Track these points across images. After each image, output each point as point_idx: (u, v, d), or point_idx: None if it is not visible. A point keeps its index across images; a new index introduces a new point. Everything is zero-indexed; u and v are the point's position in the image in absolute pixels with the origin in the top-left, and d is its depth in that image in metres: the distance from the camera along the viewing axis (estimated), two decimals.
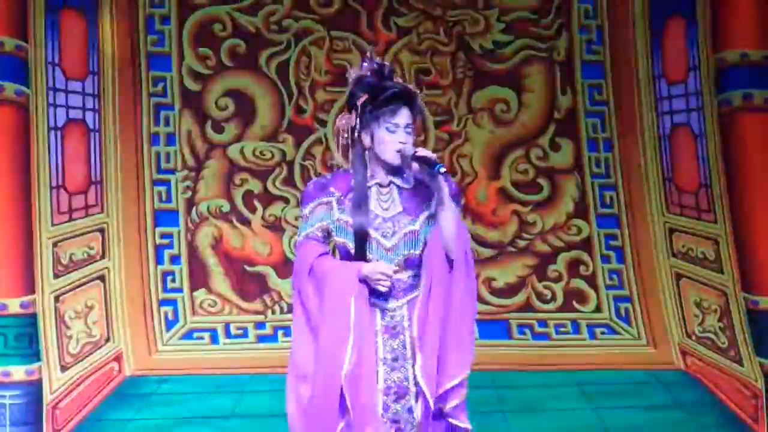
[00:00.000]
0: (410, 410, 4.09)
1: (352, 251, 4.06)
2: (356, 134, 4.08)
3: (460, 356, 4.07)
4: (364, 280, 4.00)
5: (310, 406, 4.02)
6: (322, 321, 4.03)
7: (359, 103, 4.06)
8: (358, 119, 4.06)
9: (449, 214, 3.99)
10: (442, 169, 3.88)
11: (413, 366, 4.08)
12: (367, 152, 4.11)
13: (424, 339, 4.01)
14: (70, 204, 6.96)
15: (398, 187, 4.12)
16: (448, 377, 4.04)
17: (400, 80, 4.19)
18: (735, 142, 6.42)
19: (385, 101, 4.01)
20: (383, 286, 3.99)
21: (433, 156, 3.95)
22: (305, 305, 4.13)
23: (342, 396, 3.95)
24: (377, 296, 4.06)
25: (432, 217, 4.07)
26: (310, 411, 4.02)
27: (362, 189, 4.08)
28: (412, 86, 4.15)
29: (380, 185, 4.11)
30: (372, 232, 4.03)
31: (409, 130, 4.04)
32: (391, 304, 4.10)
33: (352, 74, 4.17)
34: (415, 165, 3.99)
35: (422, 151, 3.96)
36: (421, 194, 4.07)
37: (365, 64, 4.16)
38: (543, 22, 8.15)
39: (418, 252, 4.06)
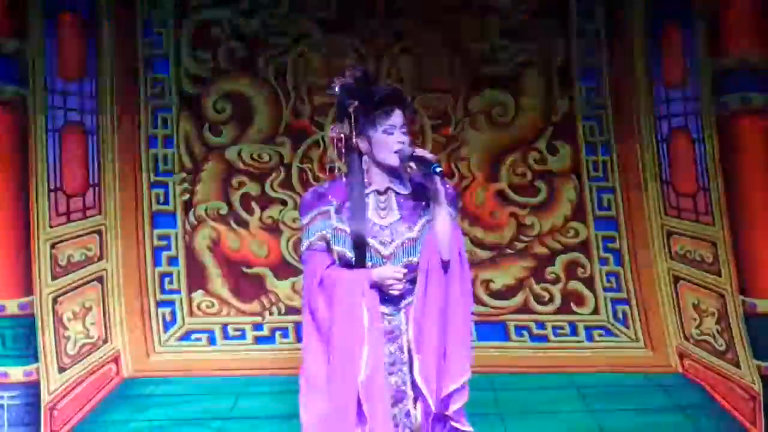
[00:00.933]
0: (408, 414, 4.10)
1: (352, 260, 4.06)
2: (351, 142, 4.08)
3: (460, 359, 4.08)
4: (374, 286, 4.02)
5: (328, 417, 4.02)
6: (334, 330, 4.04)
7: (351, 109, 4.06)
8: (352, 126, 4.07)
9: (443, 216, 4.00)
10: (439, 169, 3.90)
11: (410, 370, 4.09)
12: (364, 158, 4.11)
13: (421, 342, 4.02)
14: (68, 206, 6.96)
15: (396, 193, 4.12)
16: (450, 380, 4.05)
17: (383, 84, 4.20)
18: (733, 146, 6.42)
19: (378, 104, 4.02)
20: (395, 289, 4.01)
21: (431, 156, 3.96)
22: (316, 317, 4.13)
23: (359, 404, 3.97)
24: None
25: (430, 223, 4.08)
26: (328, 422, 4.02)
27: (360, 197, 4.08)
28: (399, 87, 4.18)
29: (378, 192, 4.11)
30: (370, 240, 4.04)
31: (404, 130, 4.05)
32: (389, 308, 4.10)
33: (337, 84, 4.18)
34: (412, 165, 4.01)
35: (420, 151, 3.98)
36: (419, 200, 4.07)
37: (348, 72, 4.17)
38: (540, 27, 8.15)
39: (416, 259, 4.07)
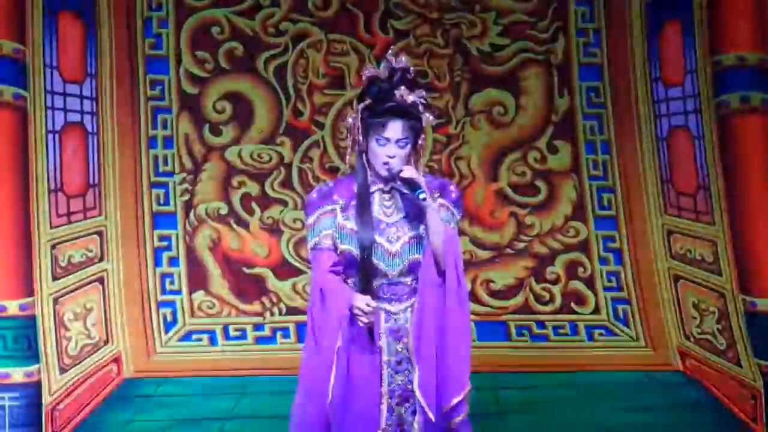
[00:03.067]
0: (414, 413, 4.10)
1: (357, 258, 4.06)
2: (358, 137, 4.09)
3: (461, 370, 4.07)
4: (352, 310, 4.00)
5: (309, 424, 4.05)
6: (316, 342, 4.06)
7: (360, 108, 4.06)
8: (358, 124, 4.07)
9: (435, 231, 3.99)
10: (422, 196, 3.89)
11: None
12: (365, 156, 4.12)
13: (420, 350, 4.02)
14: (69, 207, 6.96)
15: (400, 192, 4.12)
16: (453, 393, 4.04)
17: (406, 89, 4.13)
18: (733, 145, 6.43)
19: (381, 112, 4.00)
20: (362, 322, 3.98)
21: (417, 179, 3.94)
22: (314, 320, 4.14)
23: (328, 424, 3.99)
24: (382, 299, 4.08)
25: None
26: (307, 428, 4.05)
27: (364, 195, 4.08)
28: (415, 97, 4.10)
29: (383, 191, 4.11)
30: (377, 238, 4.04)
31: (403, 143, 4.03)
32: (395, 307, 4.11)
33: (367, 72, 4.16)
34: (399, 183, 4.01)
35: (408, 172, 3.96)
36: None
37: (384, 63, 4.15)
38: (540, 25, 8.15)
39: (421, 256, 4.07)
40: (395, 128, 3.99)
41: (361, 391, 4.07)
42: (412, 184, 3.93)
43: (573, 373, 7.43)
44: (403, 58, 4.20)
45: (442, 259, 4.01)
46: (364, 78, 4.16)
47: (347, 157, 4.23)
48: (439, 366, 4.02)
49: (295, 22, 8.09)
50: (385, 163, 3.99)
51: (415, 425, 4.08)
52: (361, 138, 4.09)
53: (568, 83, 8.14)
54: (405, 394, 4.10)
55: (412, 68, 4.19)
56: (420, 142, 4.15)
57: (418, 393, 4.00)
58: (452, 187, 4.21)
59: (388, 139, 3.99)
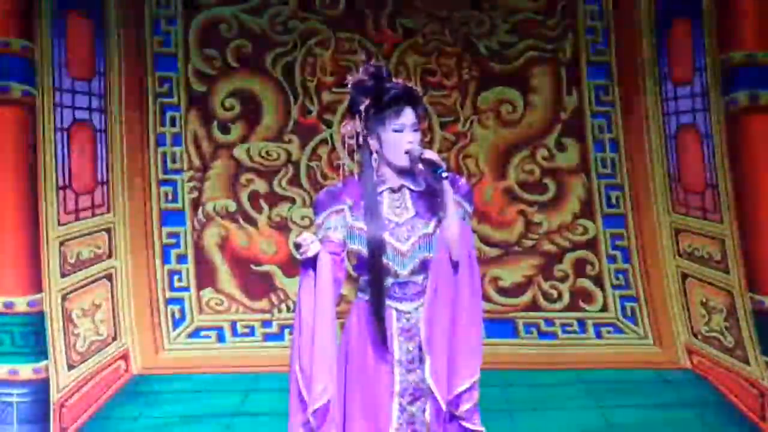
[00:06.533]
0: (424, 411, 4.10)
1: (367, 257, 4.07)
2: (363, 140, 4.09)
3: (470, 358, 4.06)
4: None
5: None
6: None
7: (362, 108, 4.06)
8: (363, 124, 4.07)
9: (452, 217, 3.99)
10: (444, 174, 3.88)
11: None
12: (375, 156, 4.11)
13: (432, 341, 4.01)
14: (77, 204, 6.98)
15: (410, 190, 4.11)
16: (460, 380, 4.03)
17: (399, 80, 4.17)
18: (741, 143, 6.43)
19: (389, 103, 4.01)
20: (301, 254, 3.99)
21: (438, 159, 3.95)
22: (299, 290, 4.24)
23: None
24: (393, 298, 4.08)
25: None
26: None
27: (373, 196, 4.07)
28: (411, 85, 4.15)
29: (392, 190, 4.11)
30: (387, 238, 4.04)
31: (415, 129, 4.04)
32: (407, 306, 4.09)
33: (351, 80, 4.16)
34: (420, 167, 4.01)
35: (428, 154, 3.96)
36: (434, 196, 4.05)
37: (362, 68, 4.16)
38: (549, 23, 8.15)
39: (431, 254, 4.06)
40: (408, 114, 4.01)
41: (372, 390, 4.08)
42: (432, 165, 3.94)
43: (581, 371, 7.42)
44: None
45: (455, 247, 4.01)
46: (350, 85, 4.16)
47: (343, 169, 4.24)
48: (450, 355, 4.03)
49: (303, 20, 8.10)
50: (407, 151, 4.00)
51: (426, 416, 4.08)
52: (368, 139, 4.09)
53: (577, 81, 8.14)
54: (417, 393, 4.09)
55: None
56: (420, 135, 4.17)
57: (430, 381, 4.01)
58: (462, 182, 4.19)
59: (404, 125, 4.00)
